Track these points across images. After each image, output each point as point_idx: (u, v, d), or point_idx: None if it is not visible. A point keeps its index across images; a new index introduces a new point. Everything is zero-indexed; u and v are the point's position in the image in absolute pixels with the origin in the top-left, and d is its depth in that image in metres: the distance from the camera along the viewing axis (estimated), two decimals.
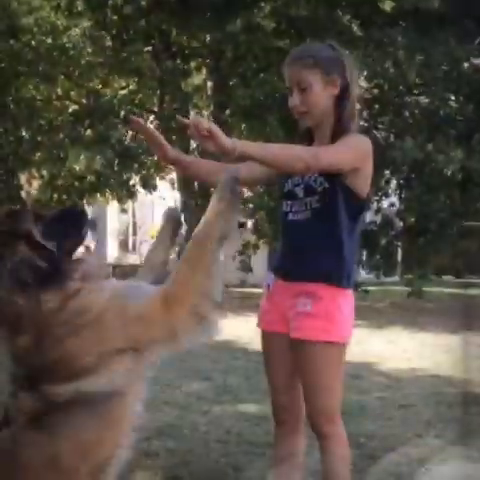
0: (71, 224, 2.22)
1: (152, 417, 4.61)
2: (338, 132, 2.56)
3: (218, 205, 2.11)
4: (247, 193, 13.89)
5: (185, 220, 14.59)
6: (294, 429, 2.78)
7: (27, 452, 2.06)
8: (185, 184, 13.41)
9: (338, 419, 2.63)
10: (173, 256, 2.47)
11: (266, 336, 2.79)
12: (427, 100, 13.16)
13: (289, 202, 2.66)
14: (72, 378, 2.04)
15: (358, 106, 2.66)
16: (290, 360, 2.66)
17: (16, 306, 2.04)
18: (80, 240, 2.21)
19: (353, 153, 2.51)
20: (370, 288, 12.33)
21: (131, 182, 13.78)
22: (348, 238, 2.57)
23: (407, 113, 13.40)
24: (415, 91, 13.56)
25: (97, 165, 10.89)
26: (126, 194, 14.36)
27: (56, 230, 2.15)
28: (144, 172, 14.06)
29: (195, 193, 13.37)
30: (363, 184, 2.57)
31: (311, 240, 2.57)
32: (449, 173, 10.39)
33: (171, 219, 2.57)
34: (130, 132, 14.18)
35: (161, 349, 2.15)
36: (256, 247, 14.55)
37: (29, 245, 2.07)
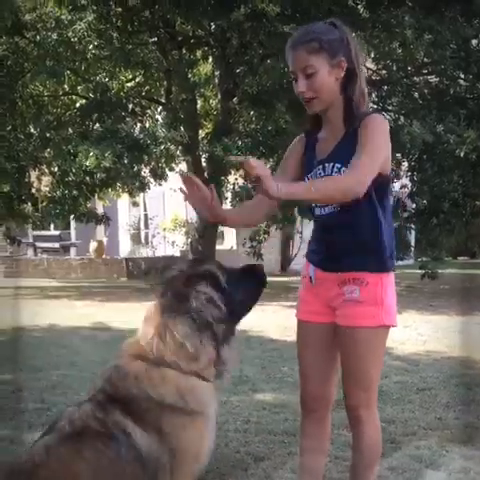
0: (251, 279, 2.42)
1: None
2: (351, 114, 2.51)
3: None
4: None
5: (196, 211, 14.61)
6: (321, 418, 2.78)
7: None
8: (196, 174, 13.36)
9: (375, 405, 2.66)
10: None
11: (304, 326, 2.76)
12: (436, 79, 13.04)
13: None
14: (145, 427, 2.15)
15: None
16: (326, 350, 2.68)
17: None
18: (257, 294, 2.43)
19: (383, 149, 2.47)
20: None
21: (142, 173, 13.77)
22: (384, 219, 2.54)
23: (416, 94, 13.26)
24: (424, 70, 13.44)
25: (108, 160, 10.88)
26: (137, 186, 14.35)
27: (237, 280, 2.33)
28: (154, 164, 14.04)
29: (206, 183, 13.32)
30: (386, 162, 2.53)
31: (346, 233, 2.55)
32: (462, 154, 10.25)
33: None
34: (138, 124, 14.17)
35: None
36: (266, 233, 14.52)
37: (213, 286, 2.24)
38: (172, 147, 12.58)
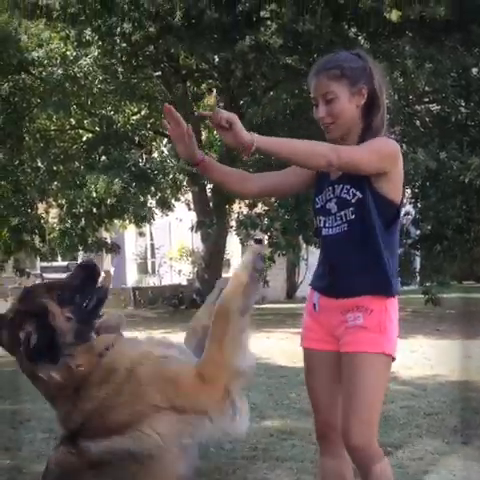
0: (85, 279, 2.35)
1: None
2: (365, 140, 2.53)
3: (239, 279, 2.21)
4: (261, 208, 14.00)
5: (202, 240, 14.74)
6: (339, 452, 2.67)
7: None
8: (201, 204, 13.50)
9: (375, 436, 2.54)
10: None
11: (310, 354, 2.72)
12: (438, 107, 13.18)
13: (322, 218, 2.64)
14: (106, 435, 2.14)
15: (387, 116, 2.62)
16: (333, 378, 2.63)
17: (49, 380, 2.19)
18: (98, 289, 2.35)
19: (376, 154, 2.47)
20: None
21: (148, 204, 13.90)
22: (387, 246, 2.54)
23: (418, 122, 13.41)
24: (425, 99, 13.59)
25: (115, 189, 11.01)
26: (144, 217, 14.47)
27: (72, 292, 2.29)
28: (160, 194, 14.18)
29: (210, 212, 13.46)
30: (395, 189, 2.54)
31: (350, 253, 2.55)
32: (466, 180, 10.33)
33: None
34: (145, 155, 14.34)
35: (191, 423, 2.22)
36: (271, 260, 14.55)
37: (49, 317, 2.22)
38: (180, 177, 12.73)
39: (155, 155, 14.15)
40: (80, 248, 15.58)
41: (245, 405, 2.30)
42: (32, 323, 2.20)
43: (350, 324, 2.52)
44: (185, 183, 13.57)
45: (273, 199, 14.16)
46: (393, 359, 2.56)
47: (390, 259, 2.55)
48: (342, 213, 2.55)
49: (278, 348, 8.68)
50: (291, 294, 19.66)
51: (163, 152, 14.50)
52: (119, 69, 12.24)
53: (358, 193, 2.51)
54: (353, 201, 2.52)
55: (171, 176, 11.96)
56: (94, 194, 11.22)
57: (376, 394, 2.53)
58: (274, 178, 2.78)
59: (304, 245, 14.94)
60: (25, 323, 2.21)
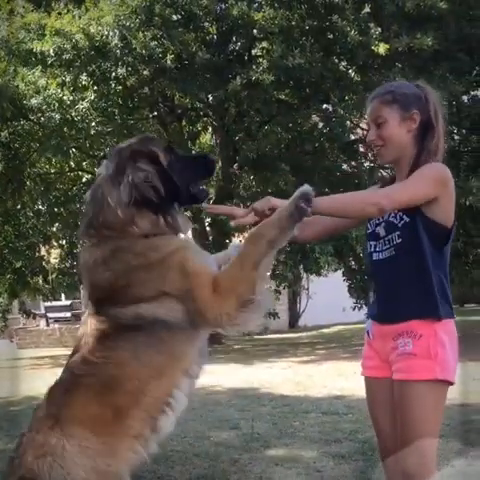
0: (199, 165, 2.50)
1: (183, 469, 4.68)
2: (416, 166, 2.58)
3: (280, 213, 2.30)
4: None
5: None
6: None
7: (91, 374, 2.23)
8: (200, 238, 13.62)
9: (430, 464, 2.51)
10: None
11: (370, 382, 2.75)
12: None
13: (372, 243, 2.69)
14: (133, 302, 2.22)
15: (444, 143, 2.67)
16: (393, 405, 2.61)
17: (112, 217, 2.27)
18: (202, 179, 2.55)
19: (425, 183, 2.50)
20: None
21: None
22: (435, 268, 2.54)
23: None
24: None
25: None
26: None
27: (183, 165, 2.41)
28: None
29: (209, 246, 13.56)
30: (444, 212, 2.55)
31: (398, 277, 2.57)
32: (467, 203, 10.44)
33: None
34: None
35: (203, 325, 2.29)
36: (278, 293, 14.60)
37: (153, 164, 2.33)
38: None
39: None
40: (81, 287, 15.68)
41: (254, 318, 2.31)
42: (144, 162, 2.31)
43: (400, 351, 2.53)
44: None
45: None
46: (451, 383, 2.54)
47: (440, 282, 2.56)
48: (389, 237, 2.61)
49: (281, 377, 8.72)
50: (293, 324, 19.66)
51: None
52: (115, 111, 12.45)
53: (405, 217, 2.55)
54: (400, 225, 2.57)
55: None
56: None
57: (427, 423, 2.50)
58: (328, 221, 2.82)
59: (304, 275, 15.01)
60: (137, 158, 2.31)
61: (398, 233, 2.57)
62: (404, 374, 2.51)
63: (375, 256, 2.67)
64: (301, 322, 18.81)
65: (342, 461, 4.66)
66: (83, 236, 2.38)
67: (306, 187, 2.29)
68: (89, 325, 2.31)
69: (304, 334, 15.10)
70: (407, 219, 2.55)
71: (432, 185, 2.50)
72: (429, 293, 2.52)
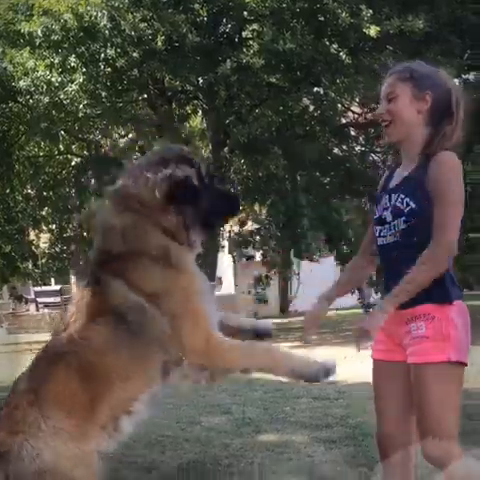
0: (229, 201, 2.58)
1: (174, 454, 4.67)
2: (428, 150, 2.58)
3: (308, 365, 2.30)
4: (252, 226, 14.09)
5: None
6: (403, 465, 2.67)
7: (73, 352, 2.24)
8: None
9: (451, 445, 2.52)
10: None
11: (378, 364, 2.75)
12: None
13: (379, 227, 2.68)
14: (128, 284, 2.23)
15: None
16: (401, 388, 2.63)
17: (147, 194, 2.27)
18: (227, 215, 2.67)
19: (458, 209, 2.50)
20: None
21: None
22: None
23: None
24: None
25: None
26: None
27: (216, 194, 2.45)
28: None
29: None
30: None
31: (405, 262, 2.53)
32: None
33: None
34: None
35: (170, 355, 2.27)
36: (268, 278, 14.62)
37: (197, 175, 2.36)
38: None
39: None
40: (71, 271, 15.67)
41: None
42: (186, 167, 2.33)
43: (414, 334, 2.54)
44: None
45: (263, 216, 14.28)
46: (464, 365, 2.56)
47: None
48: (395, 222, 2.59)
49: None
50: (284, 309, 19.70)
51: None
52: (104, 94, 12.33)
53: (412, 203, 2.54)
54: (406, 211, 2.56)
55: None
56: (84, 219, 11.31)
57: (445, 404, 2.51)
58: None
59: (295, 260, 15.02)
60: (180, 162, 2.34)
61: (404, 218, 2.56)
62: (418, 357, 2.52)
63: (380, 241, 2.68)
64: (292, 307, 18.84)
65: (333, 446, 4.66)
66: (111, 199, 2.37)
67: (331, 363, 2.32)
68: (80, 299, 2.31)
69: (295, 319, 15.12)
70: (413, 205, 2.54)
71: (461, 204, 2.52)
72: (438, 277, 2.51)
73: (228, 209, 2.56)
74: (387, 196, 2.66)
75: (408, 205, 2.55)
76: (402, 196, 2.57)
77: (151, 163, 2.36)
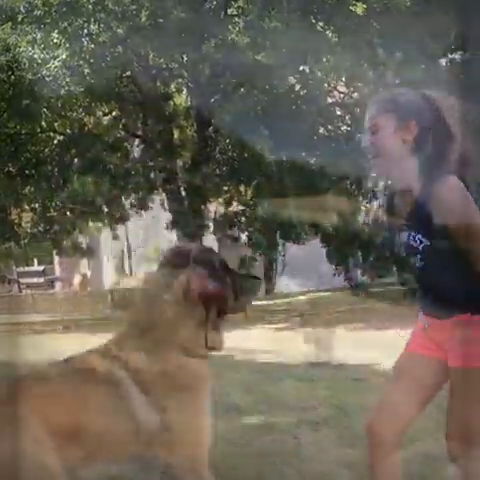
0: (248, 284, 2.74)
1: None
2: (423, 177, 2.50)
3: None
4: (238, 207, 14.03)
5: (178, 240, 14.72)
6: (390, 451, 2.66)
7: None
8: (176, 203, 13.50)
9: None
10: None
11: (407, 354, 2.71)
12: None
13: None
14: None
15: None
16: (420, 383, 2.61)
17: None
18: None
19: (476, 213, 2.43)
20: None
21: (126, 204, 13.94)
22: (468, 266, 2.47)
23: None
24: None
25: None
26: (119, 217, 14.47)
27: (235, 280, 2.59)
28: (136, 195, 14.17)
29: (186, 212, 13.49)
30: None
31: (436, 283, 2.55)
32: None
33: None
34: (118, 156, 14.29)
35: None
36: (253, 259, 14.58)
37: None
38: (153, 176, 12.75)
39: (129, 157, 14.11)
40: (54, 252, 15.57)
41: None
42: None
43: (458, 339, 2.49)
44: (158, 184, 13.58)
45: (249, 197, 14.22)
46: None
47: (477, 274, 2.47)
48: (414, 258, 2.58)
49: (256, 344, 8.73)
50: (269, 291, 19.71)
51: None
52: (87, 70, 12.16)
53: (425, 240, 2.51)
54: (420, 248, 2.53)
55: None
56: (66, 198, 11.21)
57: None
58: None
59: (281, 242, 15.00)
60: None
61: (419, 256, 2.54)
62: (464, 360, 2.47)
63: (410, 243, 2.61)
64: (277, 289, 18.87)
65: (318, 427, 4.66)
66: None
67: None
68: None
69: (280, 301, 15.16)
70: (428, 242, 2.50)
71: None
72: (472, 291, 2.46)
73: (250, 292, 2.73)
74: (407, 234, 2.60)
75: (421, 242, 2.52)
76: (419, 237, 2.52)
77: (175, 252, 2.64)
